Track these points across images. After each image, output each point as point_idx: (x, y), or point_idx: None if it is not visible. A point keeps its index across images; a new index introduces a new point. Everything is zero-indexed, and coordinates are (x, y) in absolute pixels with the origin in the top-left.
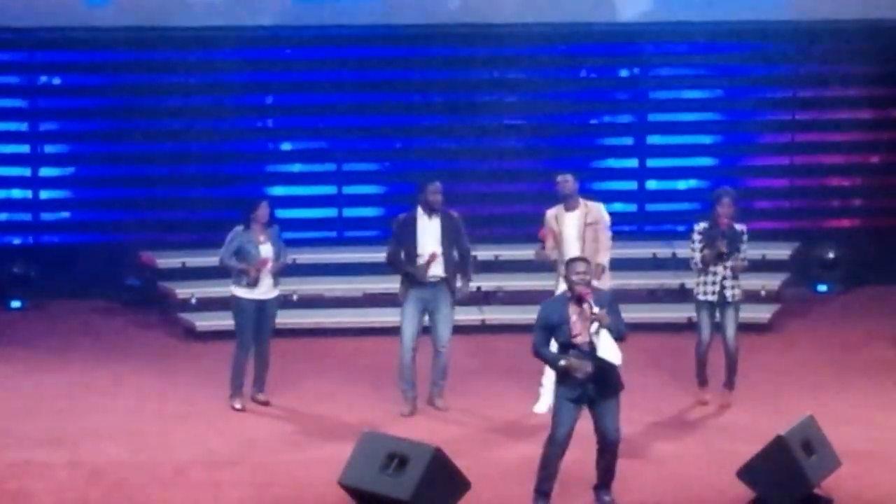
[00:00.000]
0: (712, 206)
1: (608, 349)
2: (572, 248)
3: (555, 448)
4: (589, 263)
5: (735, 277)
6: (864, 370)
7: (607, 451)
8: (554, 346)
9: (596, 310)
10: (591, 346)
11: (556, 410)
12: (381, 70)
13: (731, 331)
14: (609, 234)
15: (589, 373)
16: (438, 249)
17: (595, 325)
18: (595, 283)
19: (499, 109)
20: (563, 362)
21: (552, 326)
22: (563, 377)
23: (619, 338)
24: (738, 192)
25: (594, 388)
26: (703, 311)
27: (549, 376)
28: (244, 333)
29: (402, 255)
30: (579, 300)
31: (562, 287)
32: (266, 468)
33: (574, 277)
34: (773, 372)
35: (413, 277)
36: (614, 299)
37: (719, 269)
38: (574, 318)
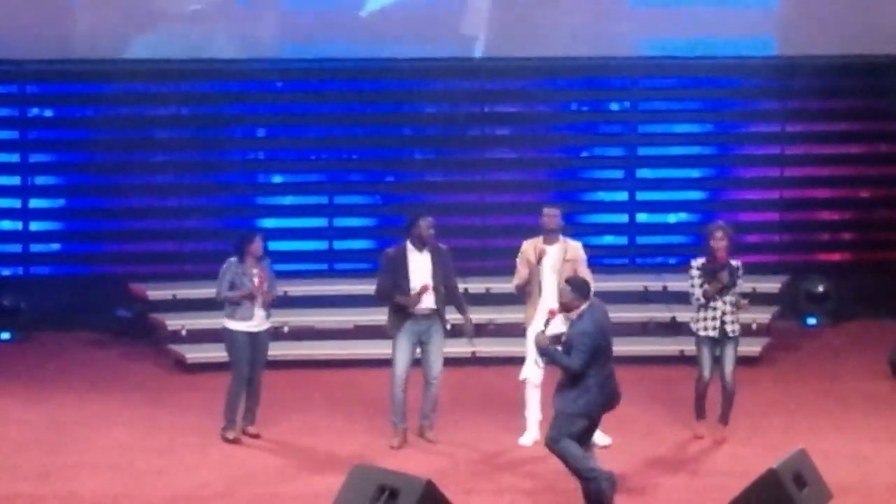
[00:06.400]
0: (706, 241)
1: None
2: (549, 281)
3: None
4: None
5: (734, 312)
6: (853, 403)
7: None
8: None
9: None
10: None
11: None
12: (372, 103)
13: (729, 367)
14: (587, 269)
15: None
16: (430, 283)
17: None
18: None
19: (490, 143)
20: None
21: None
22: None
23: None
24: (729, 225)
25: None
26: (704, 347)
27: (533, 409)
28: (239, 365)
29: (393, 288)
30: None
31: (535, 318)
32: (256, 501)
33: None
34: (764, 405)
35: (405, 309)
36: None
37: (719, 303)
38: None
